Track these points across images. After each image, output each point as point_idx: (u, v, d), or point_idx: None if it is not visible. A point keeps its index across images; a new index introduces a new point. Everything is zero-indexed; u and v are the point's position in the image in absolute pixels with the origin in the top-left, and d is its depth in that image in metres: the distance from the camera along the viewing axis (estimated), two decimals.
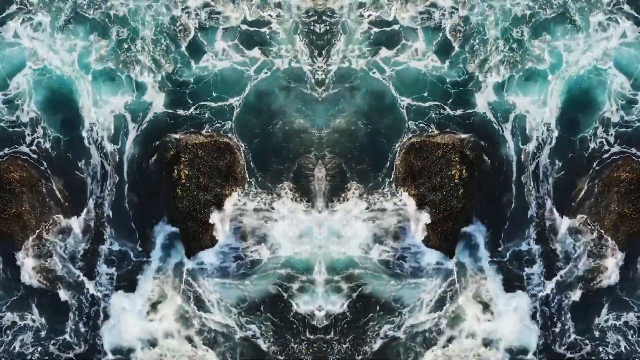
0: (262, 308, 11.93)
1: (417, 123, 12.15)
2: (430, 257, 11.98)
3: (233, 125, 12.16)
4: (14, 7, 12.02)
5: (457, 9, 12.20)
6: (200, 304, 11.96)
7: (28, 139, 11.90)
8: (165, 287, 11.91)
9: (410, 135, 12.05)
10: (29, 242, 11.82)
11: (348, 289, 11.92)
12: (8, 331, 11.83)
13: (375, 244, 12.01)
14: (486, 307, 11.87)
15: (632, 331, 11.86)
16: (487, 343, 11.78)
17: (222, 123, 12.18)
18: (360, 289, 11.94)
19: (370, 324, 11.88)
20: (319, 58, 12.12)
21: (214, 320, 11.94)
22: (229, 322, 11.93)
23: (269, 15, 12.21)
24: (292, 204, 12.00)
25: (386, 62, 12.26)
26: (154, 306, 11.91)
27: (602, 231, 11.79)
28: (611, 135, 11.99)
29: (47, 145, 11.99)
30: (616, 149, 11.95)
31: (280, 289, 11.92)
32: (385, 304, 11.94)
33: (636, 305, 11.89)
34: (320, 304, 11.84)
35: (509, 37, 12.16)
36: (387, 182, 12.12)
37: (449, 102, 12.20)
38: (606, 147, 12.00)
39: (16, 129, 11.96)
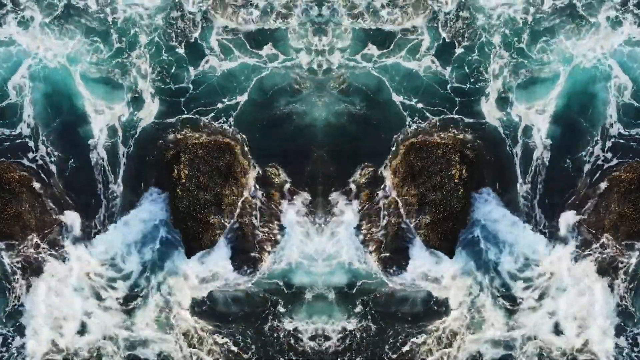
0: (253, 320, 12.03)
1: (414, 120, 12.22)
2: (431, 259, 12.07)
3: (233, 123, 12.23)
4: (7, 8, 12.10)
5: (459, 14, 12.29)
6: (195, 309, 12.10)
7: (29, 140, 11.95)
8: (153, 291, 12.03)
9: (413, 127, 12.14)
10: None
11: (352, 301, 12.01)
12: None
13: (374, 252, 12.11)
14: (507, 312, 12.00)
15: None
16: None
17: (225, 121, 12.25)
18: (367, 301, 12.04)
19: (382, 335, 11.95)
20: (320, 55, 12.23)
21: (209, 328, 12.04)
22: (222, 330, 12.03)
23: (272, 20, 12.33)
24: (295, 213, 12.17)
25: (388, 64, 12.40)
26: (131, 310, 11.97)
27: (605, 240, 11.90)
28: (607, 151, 12.06)
29: (47, 147, 12.00)
30: (615, 155, 12.02)
31: (271, 302, 12.01)
32: (393, 314, 12.02)
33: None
34: (322, 318, 11.92)
35: (510, 42, 12.22)
36: (385, 185, 12.24)
37: (449, 104, 12.26)
38: (604, 156, 12.04)
39: (17, 140, 11.97)
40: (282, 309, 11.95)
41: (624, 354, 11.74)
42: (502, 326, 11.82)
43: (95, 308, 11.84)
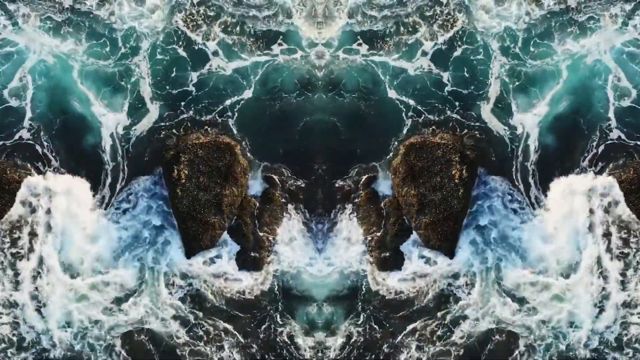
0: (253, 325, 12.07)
1: (412, 117, 12.35)
2: (430, 258, 12.12)
3: (236, 121, 12.35)
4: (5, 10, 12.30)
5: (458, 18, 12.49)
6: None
7: (35, 144, 12.10)
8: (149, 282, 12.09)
9: (409, 123, 12.26)
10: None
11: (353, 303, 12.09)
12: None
13: (374, 251, 12.14)
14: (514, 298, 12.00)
15: None
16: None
17: (228, 119, 12.35)
18: (367, 306, 12.10)
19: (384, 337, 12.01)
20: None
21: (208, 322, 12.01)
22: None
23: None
24: (295, 220, 12.25)
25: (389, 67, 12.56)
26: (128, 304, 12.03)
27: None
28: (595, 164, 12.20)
29: (51, 151, 12.11)
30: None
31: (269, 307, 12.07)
32: (391, 314, 12.05)
33: None
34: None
35: (508, 47, 12.39)
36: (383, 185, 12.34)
37: (448, 104, 12.39)
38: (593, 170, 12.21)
39: (17, 142, 12.12)
40: (280, 312, 11.96)
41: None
42: (508, 314, 11.88)
43: (93, 301, 11.91)
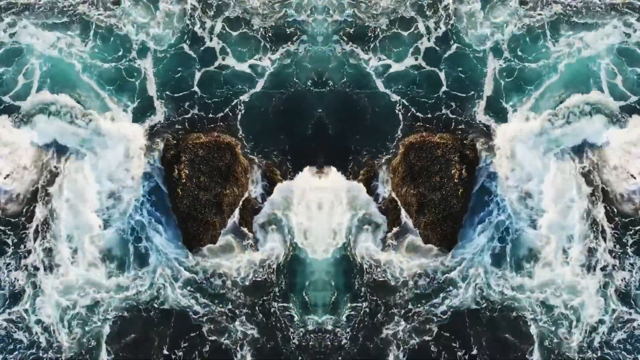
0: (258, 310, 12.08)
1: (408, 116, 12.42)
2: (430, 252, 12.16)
3: (241, 119, 12.43)
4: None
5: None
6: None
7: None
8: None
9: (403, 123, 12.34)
10: None
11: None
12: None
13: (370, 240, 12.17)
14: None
15: None
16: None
17: (232, 116, 12.43)
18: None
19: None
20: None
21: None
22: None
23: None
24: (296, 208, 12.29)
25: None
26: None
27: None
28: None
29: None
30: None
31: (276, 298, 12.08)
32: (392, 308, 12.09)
33: None
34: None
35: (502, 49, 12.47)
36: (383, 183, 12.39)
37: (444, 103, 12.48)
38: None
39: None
40: (283, 288, 11.99)
41: None
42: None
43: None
